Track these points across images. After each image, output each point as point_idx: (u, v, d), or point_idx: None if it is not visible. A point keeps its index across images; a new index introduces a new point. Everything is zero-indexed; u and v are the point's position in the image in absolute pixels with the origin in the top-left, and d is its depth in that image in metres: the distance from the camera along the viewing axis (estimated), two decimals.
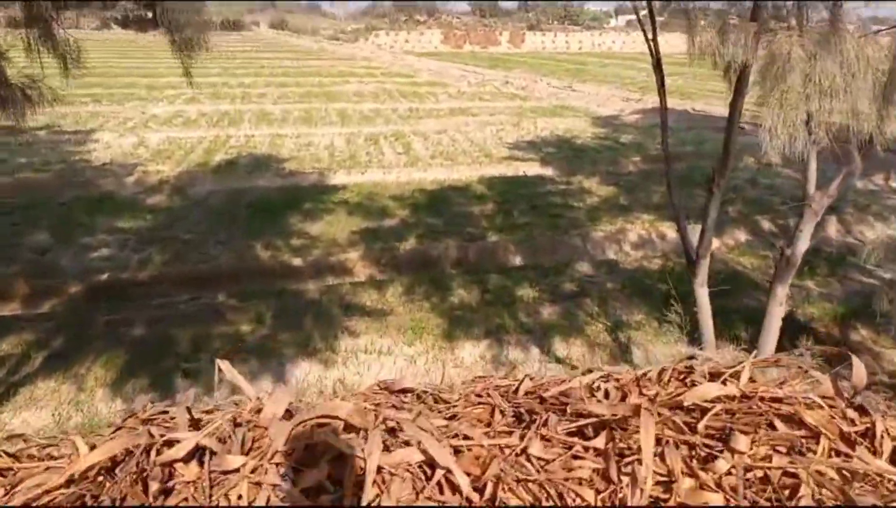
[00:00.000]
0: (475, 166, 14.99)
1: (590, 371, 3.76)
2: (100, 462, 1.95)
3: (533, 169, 15.18)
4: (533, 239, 10.11)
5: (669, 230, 10.60)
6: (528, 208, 11.82)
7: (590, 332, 7.27)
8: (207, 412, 3.16)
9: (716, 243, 10.37)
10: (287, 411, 2.59)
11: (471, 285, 8.44)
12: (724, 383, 2.45)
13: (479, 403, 3.41)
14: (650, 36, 5.17)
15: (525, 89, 30.22)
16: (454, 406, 3.35)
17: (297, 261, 9.02)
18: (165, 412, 3.19)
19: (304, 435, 2.24)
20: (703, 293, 5.06)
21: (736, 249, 10.13)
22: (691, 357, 3.23)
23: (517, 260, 9.53)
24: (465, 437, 2.56)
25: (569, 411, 2.79)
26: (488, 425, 3.08)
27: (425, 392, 3.73)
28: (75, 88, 24.36)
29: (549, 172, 14.99)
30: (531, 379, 3.68)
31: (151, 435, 2.00)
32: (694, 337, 5.80)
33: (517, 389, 3.66)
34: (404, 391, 3.93)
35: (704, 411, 2.31)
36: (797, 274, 8.89)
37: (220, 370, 3.05)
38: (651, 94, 29.94)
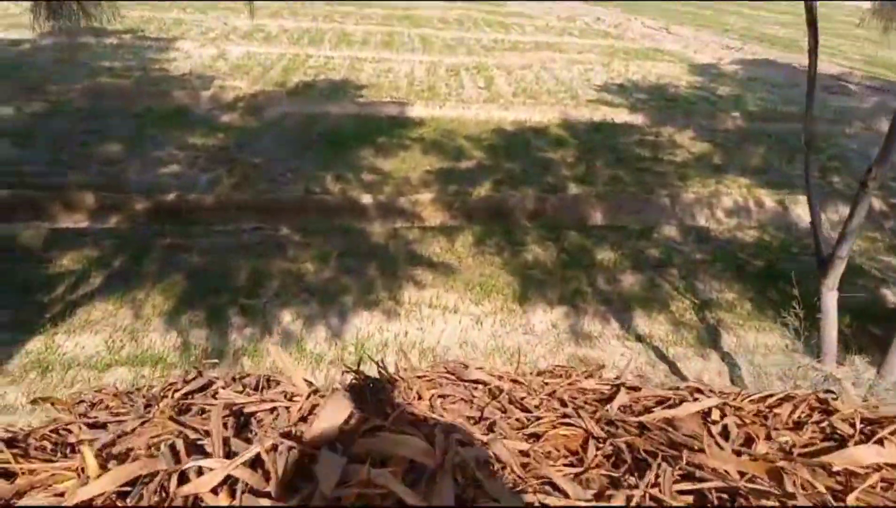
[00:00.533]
0: (559, 108, 14.15)
1: (698, 391, 3.19)
2: (107, 493, 1.59)
3: (621, 116, 14.23)
4: (617, 195, 9.41)
5: (768, 198, 9.74)
6: (614, 160, 11.05)
7: (674, 308, 6.67)
8: (249, 393, 2.70)
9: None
10: (341, 430, 2.14)
11: (547, 242, 7.89)
12: (881, 442, 1.92)
13: (565, 418, 2.89)
14: None
15: (617, 28, 28.57)
16: (534, 417, 2.86)
17: (365, 199, 8.61)
18: (206, 388, 2.78)
19: (359, 478, 1.84)
20: (831, 298, 4.40)
21: (840, 225, 9.19)
22: (828, 391, 2.63)
23: (599, 217, 8.88)
24: (554, 486, 2.10)
25: (684, 459, 2.26)
26: (580, 459, 2.56)
27: (500, 390, 3.24)
28: None
29: (638, 120, 14.03)
30: (626, 391, 3.15)
31: (175, 458, 1.62)
32: (810, 343, 5.14)
33: (609, 399, 3.13)
34: (476, 382, 3.43)
35: (852, 474, 1.80)
36: None
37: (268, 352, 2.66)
38: (753, 43, 27.93)
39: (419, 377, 3.64)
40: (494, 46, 20.98)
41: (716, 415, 2.83)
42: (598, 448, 2.47)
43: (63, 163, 9.12)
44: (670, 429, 2.54)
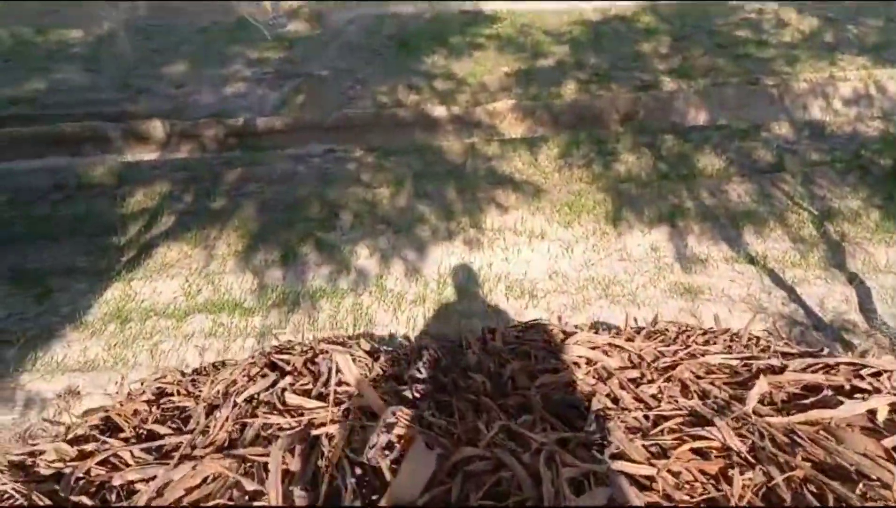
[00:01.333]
0: None
1: (853, 371, 2.61)
2: None
3: None
4: (718, 89, 8.43)
5: (891, 82, 8.54)
6: (712, 46, 9.92)
7: (790, 222, 5.93)
8: (320, 392, 2.36)
9: None
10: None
11: (641, 149, 7.15)
12: None
13: (692, 417, 2.42)
14: None
15: None
16: (654, 420, 2.39)
17: (439, 111, 8.01)
18: (273, 386, 2.41)
19: None
20: None
21: None
22: None
23: (699, 116, 8.00)
24: None
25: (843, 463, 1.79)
26: (721, 492, 2.09)
27: (608, 372, 2.76)
28: None
29: None
30: (764, 371, 2.59)
31: None
32: None
33: (743, 384, 2.59)
34: (580, 357, 2.92)
35: None
36: None
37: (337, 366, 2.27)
38: None
39: (510, 344, 3.19)
40: None
41: (883, 413, 2.27)
42: (740, 465, 1.99)
43: (130, 88, 8.87)
44: (832, 447, 2.02)
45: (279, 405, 2.38)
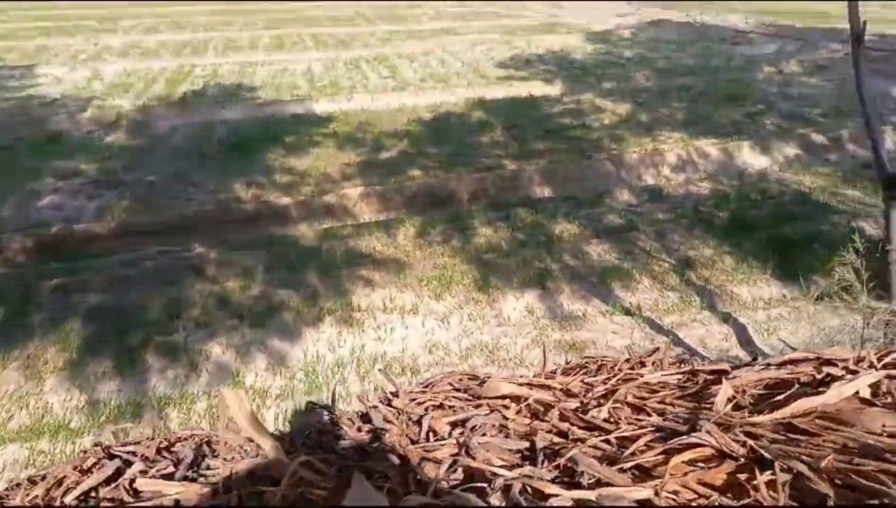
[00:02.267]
0: (472, 88, 13.42)
1: (805, 361, 2.39)
2: None
3: (536, 88, 13.64)
4: (557, 165, 8.71)
5: (711, 148, 9.29)
6: (542, 132, 10.38)
7: (654, 273, 5.98)
8: (185, 476, 1.72)
9: (765, 160, 9.10)
10: None
11: (496, 223, 7.08)
12: None
13: (659, 432, 2.05)
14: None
15: (509, 7, 28.22)
16: (618, 440, 2.01)
17: (286, 200, 7.57)
18: (117, 477, 1.80)
19: None
20: None
21: (789, 166, 8.82)
22: None
23: (544, 191, 8.15)
24: None
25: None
26: (732, 480, 1.69)
27: (543, 405, 2.39)
28: (21, 21, 22.23)
29: (553, 90, 13.48)
30: (713, 381, 2.34)
31: None
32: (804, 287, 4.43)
33: (697, 394, 2.31)
34: (501, 398, 2.53)
35: None
36: (873, 193, 7.66)
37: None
38: (648, 6, 28.16)
39: (419, 402, 2.69)
40: (391, 38, 20.11)
41: (866, 392, 2.02)
42: (760, 475, 1.62)
43: None
44: (849, 431, 1.71)
45: (129, 497, 1.74)
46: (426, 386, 3.15)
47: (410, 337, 5.14)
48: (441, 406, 2.71)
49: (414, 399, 2.82)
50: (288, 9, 28.02)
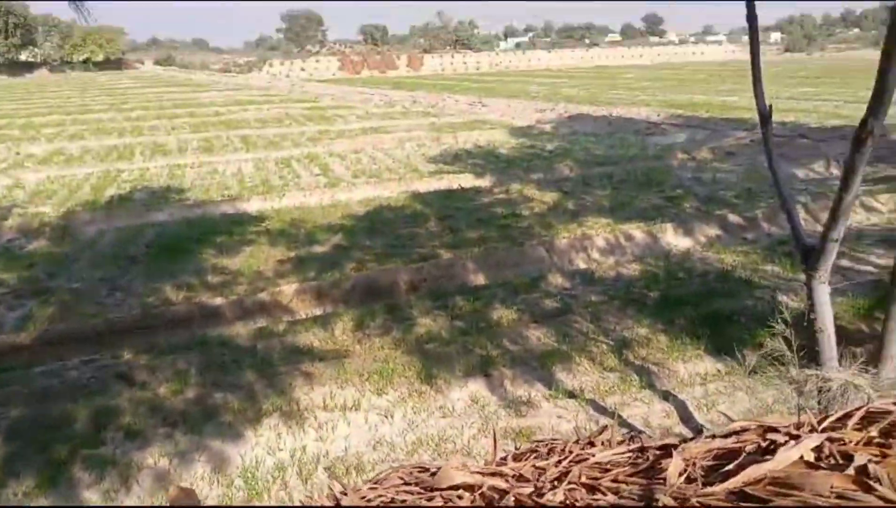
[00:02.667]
0: (404, 182, 13.68)
1: (773, 431, 2.40)
2: None
3: (466, 181, 14.01)
4: (491, 253, 8.85)
5: (636, 232, 9.63)
6: (475, 222, 10.60)
7: (593, 355, 6.04)
8: None
9: (688, 241, 9.47)
10: None
11: (435, 312, 7.08)
12: None
13: None
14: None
15: (435, 107, 29.24)
16: None
17: (218, 300, 7.40)
18: None
19: None
20: (823, 292, 3.85)
21: (711, 246, 9.20)
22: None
23: (480, 278, 8.23)
24: None
25: None
26: None
27: (497, 491, 2.33)
28: None
29: (483, 182, 13.87)
30: (662, 456, 2.32)
31: None
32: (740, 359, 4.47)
33: (647, 471, 2.29)
34: (454, 489, 2.47)
35: None
36: (791, 268, 8.04)
37: None
38: (564, 103, 29.65)
39: (369, 500, 2.59)
40: (320, 137, 20.46)
41: (810, 456, 2.05)
42: None
43: None
44: (801, 496, 1.73)
45: None
46: (375, 483, 3.03)
47: (354, 435, 4.98)
48: (392, 502, 2.61)
49: (363, 497, 2.71)
50: (215, 112, 28.27)
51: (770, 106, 4.24)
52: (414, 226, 10.38)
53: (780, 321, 3.37)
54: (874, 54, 3.70)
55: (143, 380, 5.85)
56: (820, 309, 3.84)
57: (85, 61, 71.09)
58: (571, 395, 5.40)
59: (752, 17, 4.15)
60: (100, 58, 71.44)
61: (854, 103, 25.14)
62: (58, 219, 11.15)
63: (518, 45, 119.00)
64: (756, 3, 4.21)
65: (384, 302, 7.43)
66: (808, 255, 3.92)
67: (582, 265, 8.73)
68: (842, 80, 38.40)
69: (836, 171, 13.95)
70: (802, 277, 7.79)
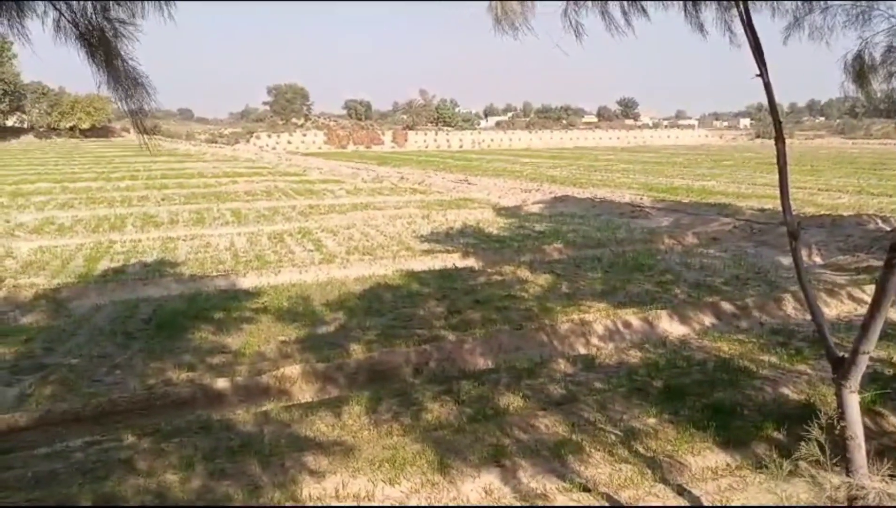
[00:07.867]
0: (398, 260, 13.81)
1: None
2: None
3: (458, 261, 14.18)
4: (493, 336, 8.90)
5: (633, 318, 9.75)
6: (472, 302, 10.68)
7: (603, 445, 6.03)
8: None
9: (683, 328, 9.60)
10: None
11: (443, 397, 7.06)
12: None
13: None
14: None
15: (423, 183, 29.71)
16: None
17: (221, 382, 7.33)
18: None
19: None
20: (854, 402, 3.92)
21: (706, 334, 9.34)
22: None
23: (482, 361, 8.25)
24: None
25: None
26: None
27: None
28: None
29: (476, 263, 14.04)
30: None
31: None
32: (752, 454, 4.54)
33: None
34: None
35: None
36: (788, 359, 8.17)
37: None
38: (548, 184, 30.25)
39: None
40: (311, 212, 20.67)
41: None
42: None
43: None
44: None
45: None
46: None
47: None
48: None
49: None
50: (204, 183, 28.47)
51: (799, 223, 4.43)
52: (413, 306, 10.43)
53: (816, 425, 3.44)
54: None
55: (148, 465, 5.73)
56: (850, 418, 3.91)
57: (72, 128, 71.48)
58: (585, 488, 5.37)
59: (779, 138, 4.37)
60: (86, 125, 71.89)
61: (827, 192, 26.01)
62: (52, 291, 11.05)
63: (498, 124, 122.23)
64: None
65: (390, 386, 7.41)
66: (837, 365, 4.02)
67: (582, 351, 8.79)
68: (812, 167, 39.78)
69: (818, 259, 14.32)
70: (800, 368, 7.97)
